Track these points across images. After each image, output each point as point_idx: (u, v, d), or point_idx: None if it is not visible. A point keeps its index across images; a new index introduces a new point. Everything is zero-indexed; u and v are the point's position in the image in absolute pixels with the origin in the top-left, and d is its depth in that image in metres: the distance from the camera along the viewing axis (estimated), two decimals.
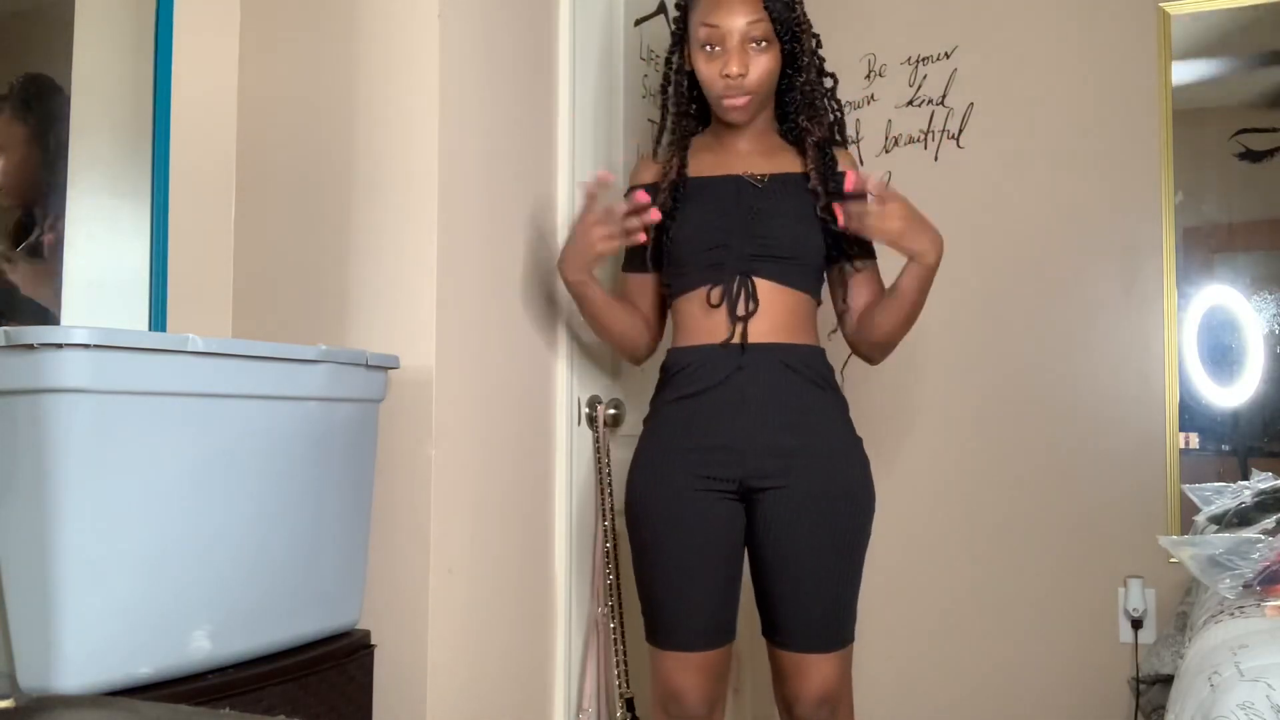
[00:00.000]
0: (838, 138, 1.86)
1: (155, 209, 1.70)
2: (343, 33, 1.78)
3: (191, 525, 1.26)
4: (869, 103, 2.79)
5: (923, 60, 2.76)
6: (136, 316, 1.67)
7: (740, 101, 1.73)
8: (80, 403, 1.15)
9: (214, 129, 1.85)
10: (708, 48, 1.73)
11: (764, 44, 1.71)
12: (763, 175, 1.78)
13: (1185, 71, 2.53)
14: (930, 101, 2.74)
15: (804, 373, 1.73)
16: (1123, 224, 2.55)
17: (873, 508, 1.77)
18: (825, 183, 1.75)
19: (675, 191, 1.78)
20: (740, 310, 1.71)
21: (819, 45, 1.81)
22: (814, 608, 1.70)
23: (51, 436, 1.14)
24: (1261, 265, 2.47)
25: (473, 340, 1.78)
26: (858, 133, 2.80)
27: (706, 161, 1.82)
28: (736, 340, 1.72)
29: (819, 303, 1.82)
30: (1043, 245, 2.62)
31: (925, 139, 2.74)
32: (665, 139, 1.85)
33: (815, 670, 1.70)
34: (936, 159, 2.73)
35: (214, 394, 1.28)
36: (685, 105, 1.83)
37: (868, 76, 2.79)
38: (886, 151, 2.76)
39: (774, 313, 1.73)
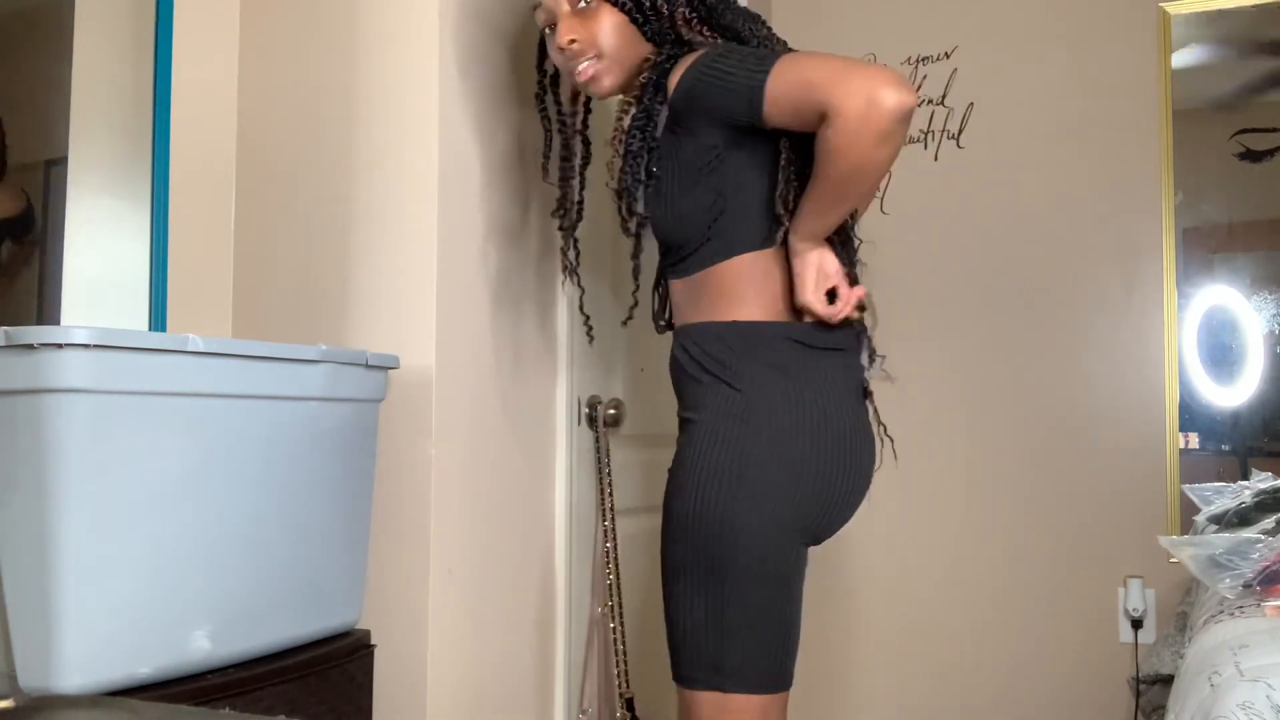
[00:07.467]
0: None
1: (155, 209, 1.70)
2: (343, 32, 1.78)
3: (191, 525, 1.26)
4: None
5: (923, 60, 2.76)
6: (136, 316, 1.67)
7: (588, 70, 1.53)
8: (80, 403, 1.14)
9: (214, 129, 1.85)
10: (547, 30, 1.59)
11: (590, 3, 1.52)
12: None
13: (1185, 71, 2.52)
14: (930, 101, 2.74)
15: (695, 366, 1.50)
16: (1123, 224, 2.55)
17: (692, 525, 1.41)
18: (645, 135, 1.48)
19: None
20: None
21: None
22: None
23: (51, 436, 1.14)
24: (1261, 265, 2.47)
25: (473, 340, 1.77)
26: None
27: None
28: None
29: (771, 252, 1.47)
30: (1043, 245, 2.62)
31: (925, 139, 2.74)
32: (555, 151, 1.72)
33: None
34: (936, 159, 2.73)
35: (214, 394, 1.28)
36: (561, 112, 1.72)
37: None
38: None
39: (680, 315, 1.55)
